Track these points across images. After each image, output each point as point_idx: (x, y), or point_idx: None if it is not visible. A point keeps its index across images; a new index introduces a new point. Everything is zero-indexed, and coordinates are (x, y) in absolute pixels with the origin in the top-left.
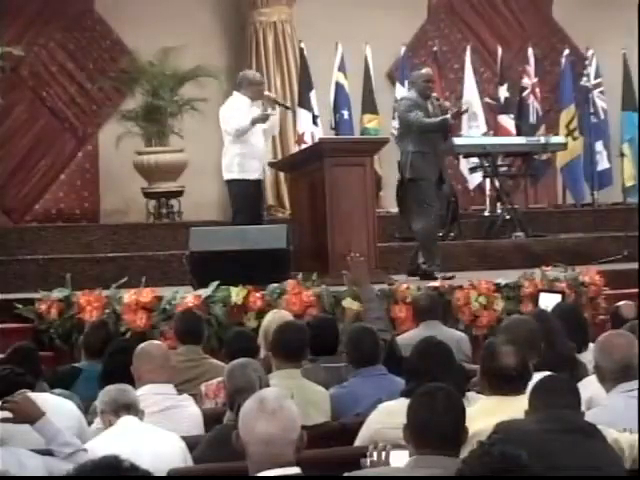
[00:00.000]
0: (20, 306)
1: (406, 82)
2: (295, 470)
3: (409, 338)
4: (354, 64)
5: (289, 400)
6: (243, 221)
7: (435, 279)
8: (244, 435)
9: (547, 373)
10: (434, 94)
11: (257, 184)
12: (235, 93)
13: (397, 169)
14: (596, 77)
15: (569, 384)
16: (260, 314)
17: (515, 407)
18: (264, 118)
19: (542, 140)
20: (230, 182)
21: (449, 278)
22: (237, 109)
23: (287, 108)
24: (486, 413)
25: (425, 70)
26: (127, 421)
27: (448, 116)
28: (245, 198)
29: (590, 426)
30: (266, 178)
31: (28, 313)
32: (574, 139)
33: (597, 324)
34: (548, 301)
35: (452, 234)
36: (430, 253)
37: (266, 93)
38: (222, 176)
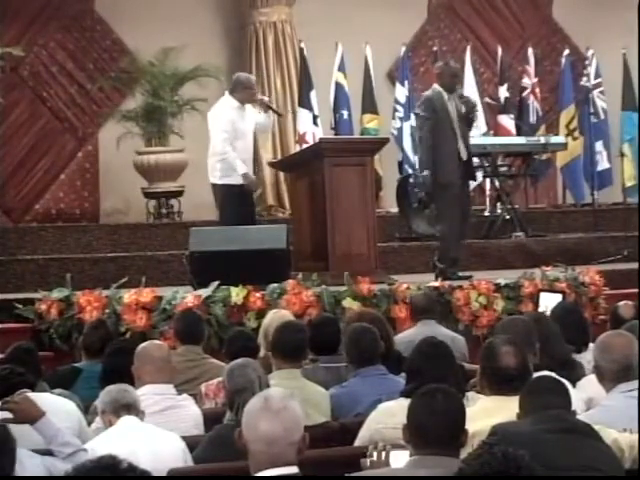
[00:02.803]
0: (20, 306)
1: (406, 82)
2: (293, 470)
3: (406, 337)
4: (354, 64)
5: (294, 401)
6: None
7: (452, 279)
8: (247, 433)
9: (542, 373)
10: (459, 92)
11: (243, 188)
12: (226, 95)
13: (397, 169)
14: (596, 77)
15: (559, 385)
16: (260, 314)
17: (515, 407)
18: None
19: (542, 140)
20: (214, 186)
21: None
22: (221, 113)
23: (279, 115)
24: (486, 413)
25: (453, 64)
26: (127, 421)
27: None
28: (228, 205)
29: (586, 426)
30: (263, 179)
31: (28, 313)
32: (574, 139)
33: (597, 324)
34: (548, 301)
35: None
36: (447, 253)
37: (260, 97)
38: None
